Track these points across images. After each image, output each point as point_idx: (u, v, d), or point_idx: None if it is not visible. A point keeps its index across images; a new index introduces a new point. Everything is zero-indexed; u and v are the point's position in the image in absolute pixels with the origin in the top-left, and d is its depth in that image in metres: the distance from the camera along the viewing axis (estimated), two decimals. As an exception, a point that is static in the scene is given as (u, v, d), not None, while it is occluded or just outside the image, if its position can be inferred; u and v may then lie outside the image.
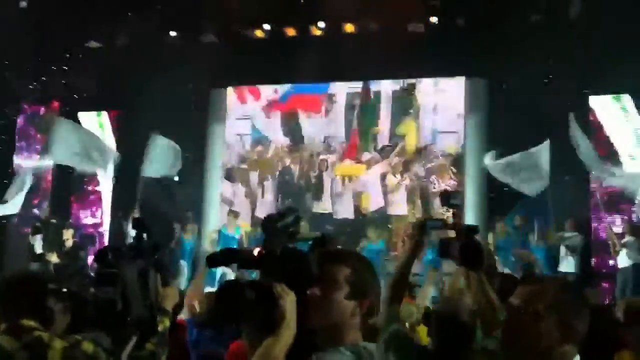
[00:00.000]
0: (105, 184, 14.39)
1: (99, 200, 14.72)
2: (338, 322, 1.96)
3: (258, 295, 1.80)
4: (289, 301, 1.80)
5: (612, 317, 3.24)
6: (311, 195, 14.02)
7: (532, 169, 10.87)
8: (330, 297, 1.95)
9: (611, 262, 11.62)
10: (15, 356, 2.77)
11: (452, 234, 2.86)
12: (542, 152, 10.93)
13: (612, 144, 12.18)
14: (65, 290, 3.89)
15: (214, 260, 1.97)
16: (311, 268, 1.91)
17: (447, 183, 13.15)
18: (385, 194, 13.61)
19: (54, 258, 12.10)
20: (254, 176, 14.44)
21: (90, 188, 14.74)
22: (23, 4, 12.83)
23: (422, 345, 2.98)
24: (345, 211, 13.70)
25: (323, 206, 13.90)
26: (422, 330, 4.63)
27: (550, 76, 12.38)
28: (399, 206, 13.47)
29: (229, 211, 13.41)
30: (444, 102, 13.75)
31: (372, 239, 12.44)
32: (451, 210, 3.03)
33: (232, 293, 1.82)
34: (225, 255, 1.97)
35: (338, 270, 1.98)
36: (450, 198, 3.05)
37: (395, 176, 13.59)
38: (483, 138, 12.98)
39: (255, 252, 1.91)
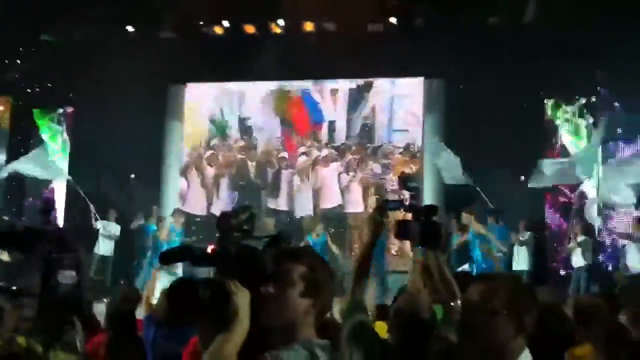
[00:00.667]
0: (59, 183, 14.08)
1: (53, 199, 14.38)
2: (292, 320, 1.96)
3: (211, 292, 1.79)
4: (241, 298, 1.79)
5: (562, 315, 3.31)
6: (267, 192, 13.99)
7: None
8: (284, 294, 1.95)
9: (563, 261, 11.89)
10: None
11: (409, 215, 2.87)
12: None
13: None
14: (15, 288, 3.81)
15: (167, 257, 1.93)
16: (265, 265, 1.90)
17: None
18: (342, 191, 13.67)
19: (4, 256, 11.81)
20: (210, 173, 14.36)
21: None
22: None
23: (383, 338, 2.98)
24: (303, 208, 13.70)
25: (279, 203, 13.88)
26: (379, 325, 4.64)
27: (506, 78, 12.58)
28: (355, 203, 13.54)
29: (175, 210, 13.28)
30: (402, 101, 13.90)
31: (314, 232, 12.25)
32: (409, 193, 3.04)
33: (184, 290, 1.80)
34: (179, 253, 1.94)
35: (293, 268, 1.98)
36: (408, 181, 3.06)
37: (348, 174, 13.66)
38: (440, 137, 13.12)
39: (210, 249, 1.89)
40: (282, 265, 1.97)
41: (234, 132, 14.57)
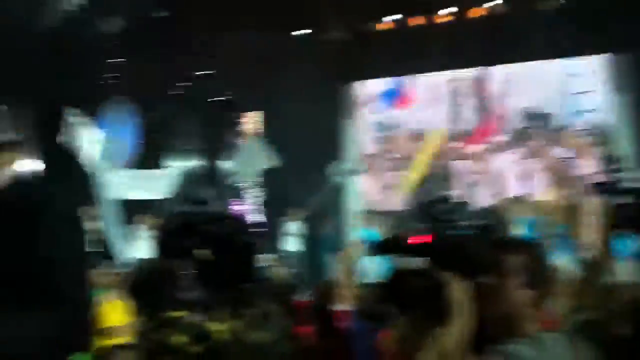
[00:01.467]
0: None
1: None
2: (513, 312, 1.91)
3: (427, 284, 1.74)
4: (460, 290, 1.73)
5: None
6: (443, 184, 13.75)
7: None
8: (504, 286, 1.88)
9: None
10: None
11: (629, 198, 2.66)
12: None
13: None
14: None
15: (382, 248, 1.92)
16: (483, 256, 1.84)
17: (590, 164, 12.35)
18: (524, 178, 13.10)
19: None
20: (386, 167, 14.45)
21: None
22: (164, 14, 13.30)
23: (617, 333, 2.82)
24: (482, 199, 13.32)
25: (457, 194, 13.56)
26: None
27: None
28: (541, 190, 12.89)
29: (367, 211, 13.34)
30: (587, 81, 13.11)
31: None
32: (612, 176, 2.83)
33: (400, 282, 1.78)
34: (393, 244, 1.92)
35: (512, 259, 1.92)
36: (611, 162, 2.87)
37: (529, 160, 13.09)
38: (629, 117, 12.18)
39: (422, 239, 1.84)
40: (501, 255, 1.90)
41: (404, 126, 14.52)
